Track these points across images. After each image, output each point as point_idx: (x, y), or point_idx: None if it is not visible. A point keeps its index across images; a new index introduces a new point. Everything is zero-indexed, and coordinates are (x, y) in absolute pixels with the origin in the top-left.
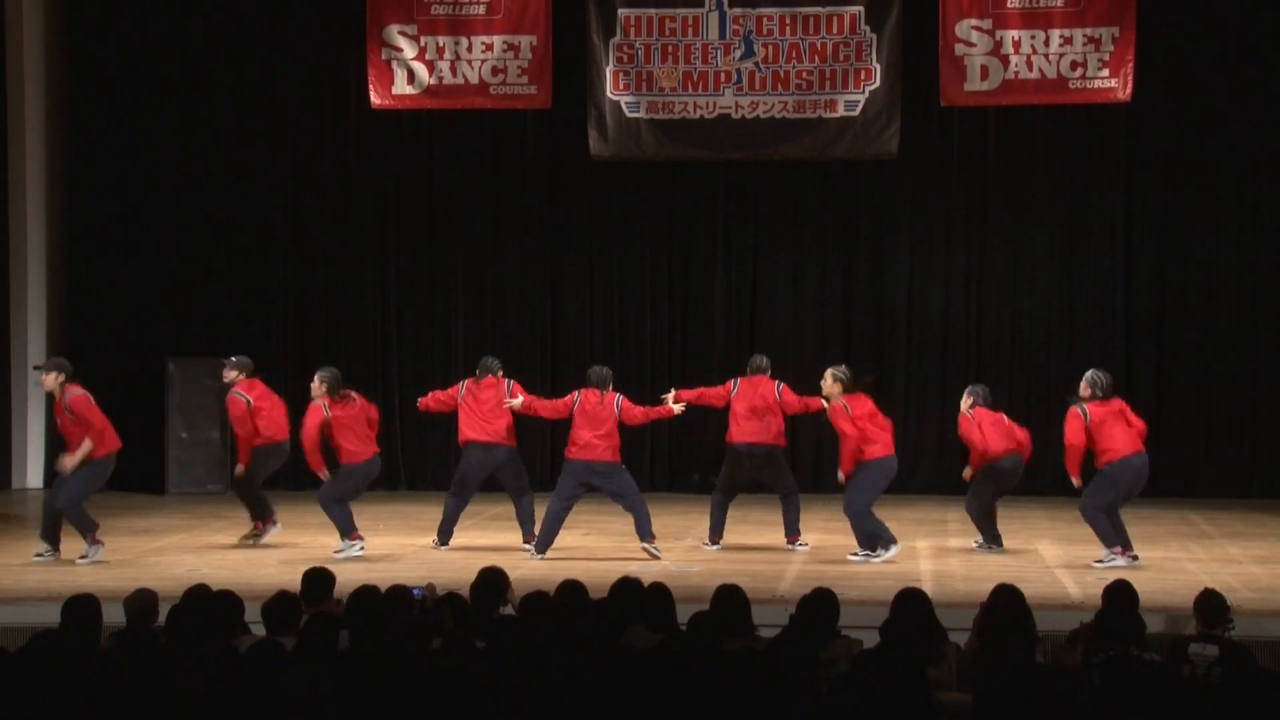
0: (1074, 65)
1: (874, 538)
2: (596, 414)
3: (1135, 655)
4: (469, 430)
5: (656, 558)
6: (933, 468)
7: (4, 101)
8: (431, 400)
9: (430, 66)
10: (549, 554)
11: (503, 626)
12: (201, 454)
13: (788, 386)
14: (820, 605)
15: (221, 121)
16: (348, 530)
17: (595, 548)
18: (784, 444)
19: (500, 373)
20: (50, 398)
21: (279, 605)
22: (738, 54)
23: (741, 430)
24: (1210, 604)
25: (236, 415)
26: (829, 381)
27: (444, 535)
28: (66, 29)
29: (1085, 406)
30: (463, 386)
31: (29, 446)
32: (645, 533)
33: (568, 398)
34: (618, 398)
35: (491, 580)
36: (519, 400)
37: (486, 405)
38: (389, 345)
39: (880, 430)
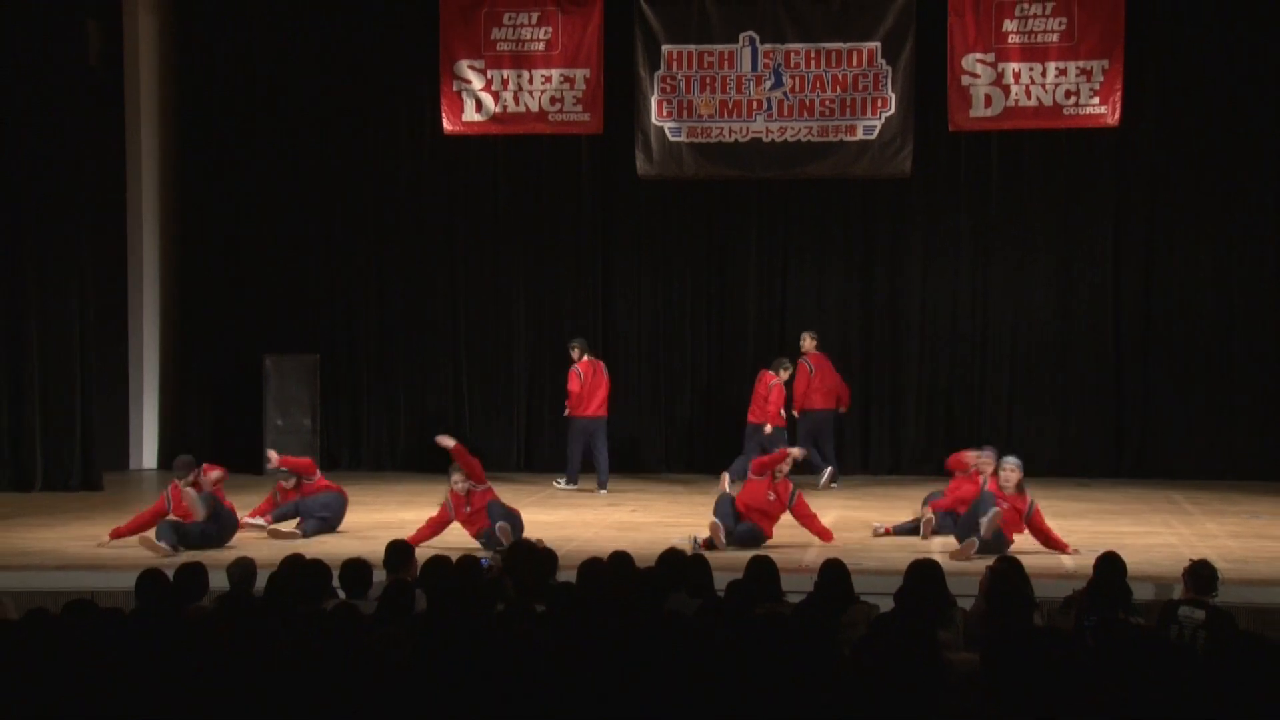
0: (1068, 94)
1: None
2: (758, 391)
3: (1123, 619)
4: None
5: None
6: (943, 455)
7: (123, 129)
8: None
9: (496, 96)
10: (603, 527)
11: (560, 593)
12: (295, 439)
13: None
14: (835, 574)
15: (313, 147)
16: None
17: (641, 523)
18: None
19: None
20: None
21: (350, 571)
22: (768, 85)
23: (820, 398)
24: (1203, 573)
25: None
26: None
27: (600, 483)
28: (177, 65)
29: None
30: (579, 374)
31: (144, 432)
32: (736, 474)
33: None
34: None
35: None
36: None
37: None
38: (457, 343)
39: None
